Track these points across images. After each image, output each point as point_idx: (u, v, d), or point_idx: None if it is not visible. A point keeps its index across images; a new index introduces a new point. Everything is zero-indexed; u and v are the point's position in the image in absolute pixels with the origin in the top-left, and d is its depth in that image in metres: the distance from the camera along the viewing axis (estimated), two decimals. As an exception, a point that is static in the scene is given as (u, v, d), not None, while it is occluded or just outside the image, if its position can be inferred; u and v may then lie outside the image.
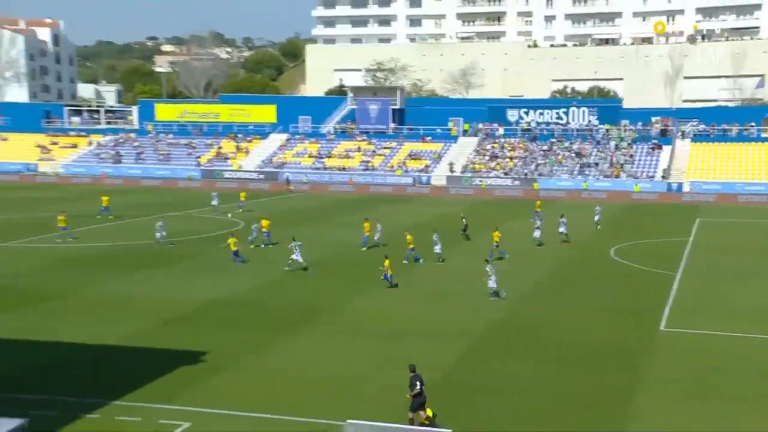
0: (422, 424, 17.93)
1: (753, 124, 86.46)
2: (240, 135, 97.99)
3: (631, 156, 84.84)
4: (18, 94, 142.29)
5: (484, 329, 27.76)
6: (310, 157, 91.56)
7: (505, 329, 27.88)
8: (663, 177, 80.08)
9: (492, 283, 31.78)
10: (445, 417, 18.73)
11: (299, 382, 21.84)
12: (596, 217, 54.50)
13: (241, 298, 31.98)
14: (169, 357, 24.10)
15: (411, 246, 39.92)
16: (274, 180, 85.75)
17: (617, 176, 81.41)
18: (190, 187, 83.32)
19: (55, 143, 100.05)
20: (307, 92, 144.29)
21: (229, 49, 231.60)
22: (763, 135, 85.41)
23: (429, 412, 18.29)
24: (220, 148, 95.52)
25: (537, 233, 46.15)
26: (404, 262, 39.01)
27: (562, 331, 27.54)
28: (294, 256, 36.97)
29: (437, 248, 40.07)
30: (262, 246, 43.75)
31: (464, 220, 48.42)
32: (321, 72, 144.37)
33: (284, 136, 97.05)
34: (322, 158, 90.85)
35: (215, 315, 29.38)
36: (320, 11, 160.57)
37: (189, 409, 19.87)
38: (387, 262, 34.08)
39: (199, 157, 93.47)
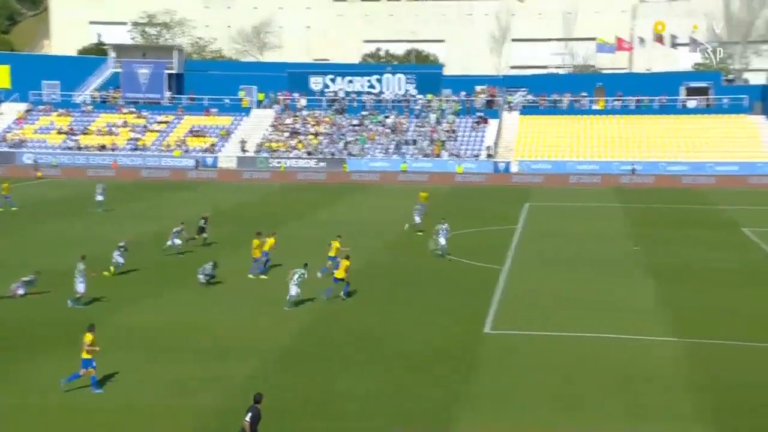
0: None
1: (585, 93, 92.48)
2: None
3: (454, 132, 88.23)
4: None
5: (289, 340, 27.98)
6: (59, 133, 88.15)
7: (315, 339, 28.26)
8: (489, 156, 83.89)
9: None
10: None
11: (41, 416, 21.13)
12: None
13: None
14: None
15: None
16: (11, 163, 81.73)
17: (438, 155, 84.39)
18: None
19: None
20: (52, 50, 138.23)
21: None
22: (595, 107, 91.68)
23: None
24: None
25: (442, 240, 42.09)
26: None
27: (376, 339, 28.26)
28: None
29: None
30: None
31: (204, 220, 44.97)
32: (71, 24, 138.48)
33: (23, 107, 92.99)
34: (76, 135, 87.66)
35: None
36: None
37: None
38: None
39: None
